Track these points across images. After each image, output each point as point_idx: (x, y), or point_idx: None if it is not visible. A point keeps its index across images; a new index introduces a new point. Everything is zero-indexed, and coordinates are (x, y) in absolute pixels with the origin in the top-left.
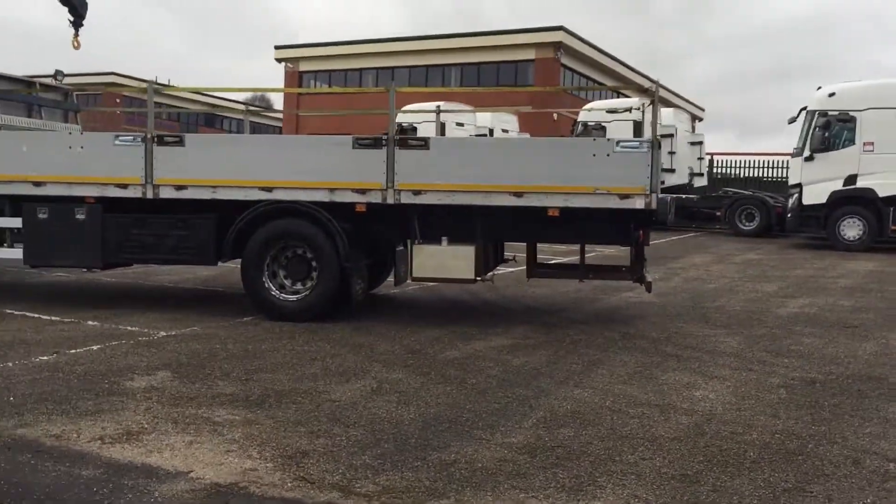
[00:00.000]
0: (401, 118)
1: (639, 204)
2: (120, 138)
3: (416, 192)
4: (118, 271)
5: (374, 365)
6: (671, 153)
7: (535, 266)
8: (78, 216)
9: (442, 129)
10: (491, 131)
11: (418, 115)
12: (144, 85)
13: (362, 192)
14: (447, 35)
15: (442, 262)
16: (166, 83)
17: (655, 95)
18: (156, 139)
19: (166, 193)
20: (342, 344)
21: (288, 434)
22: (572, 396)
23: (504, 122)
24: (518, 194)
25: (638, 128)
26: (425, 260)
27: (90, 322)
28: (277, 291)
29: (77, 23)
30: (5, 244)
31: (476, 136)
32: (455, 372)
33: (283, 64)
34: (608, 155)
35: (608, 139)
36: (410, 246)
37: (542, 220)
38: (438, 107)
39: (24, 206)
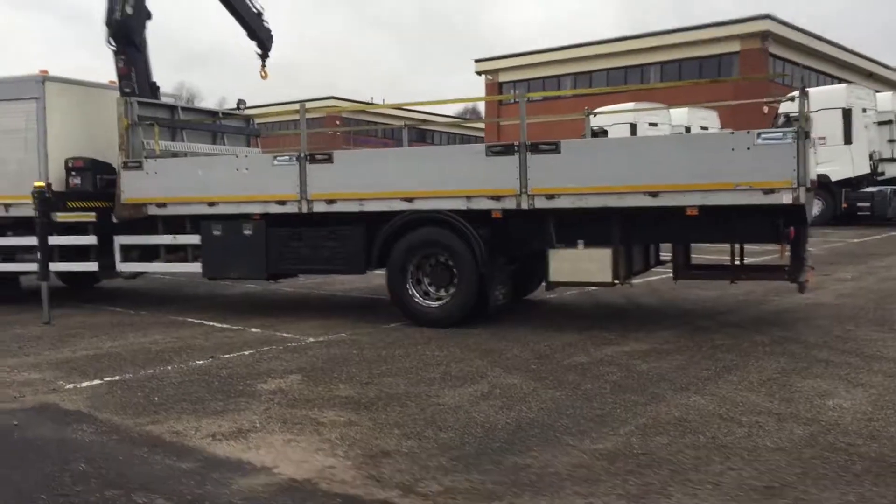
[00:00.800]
0: (593, 121)
1: (786, 199)
2: (278, 158)
3: (550, 197)
4: (295, 282)
5: (494, 370)
6: (892, 141)
7: (685, 268)
8: (246, 232)
9: (633, 129)
10: (688, 129)
11: (612, 115)
12: (360, 106)
13: (497, 198)
14: (644, 34)
15: (578, 265)
16: (380, 101)
17: (802, 84)
18: (308, 157)
19: (319, 208)
20: (473, 349)
21: (381, 435)
22: (686, 403)
23: (702, 119)
24: (653, 194)
25: (847, 118)
26: (561, 264)
27: (253, 329)
28: (421, 298)
29: (264, 55)
30: (188, 259)
31: (673, 134)
32: (574, 377)
33: (484, 76)
34: (748, 148)
35: (748, 132)
36: (547, 250)
37: (682, 220)
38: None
39: (201, 224)
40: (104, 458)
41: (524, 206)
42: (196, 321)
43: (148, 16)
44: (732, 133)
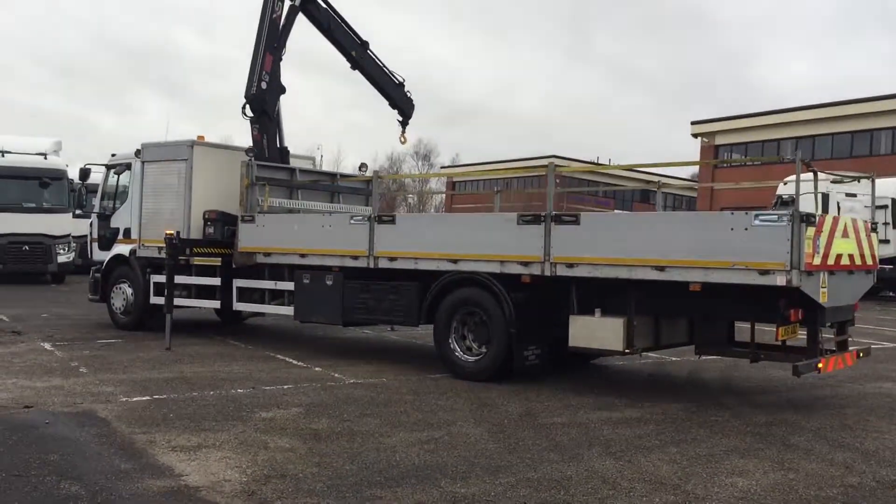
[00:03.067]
0: (781, 189)
1: (780, 280)
2: (353, 218)
3: (569, 265)
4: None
5: (467, 420)
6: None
7: (708, 343)
8: (328, 282)
9: (825, 200)
10: (894, 201)
11: (804, 184)
12: (581, 166)
13: (526, 264)
14: (872, 98)
15: (593, 332)
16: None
17: (798, 166)
18: (377, 218)
19: (383, 264)
20: (473, 402)
21: (299, 462)
22: (590, 466)
23: None
24: (660, 268)
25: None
26: (580, 330)
27: (317, 368)
28: (461, 353)
29: (404, 122)
30: (286, 303)
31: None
32: (528, 433)
33: (699, 139)
34: (746, 229)
35: (746, 212)
36: (569, 316)
37: (687, 295)
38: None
39: (294, 272)
40: (75, 453)
41: (547, 272)
42: (281, 357)
43: (282, 90)
44: (732, 213)
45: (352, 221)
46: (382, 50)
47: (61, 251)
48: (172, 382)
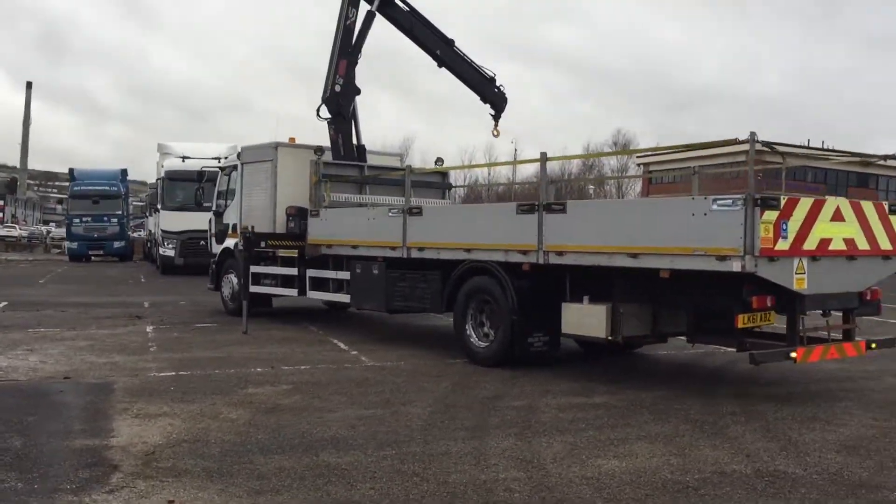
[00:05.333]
0: None
1: (735, 266)
2: (391, 211)
3: (559, 253)
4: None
5: (427, 399)
6: None
7: (698, 331)
8: (375, 271)
9: None
10: None
11: None
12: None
13: (524, 252)
14: None
15: (581, 319)
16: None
17: (751, 147)
18: (409, 210)
19: (414, 254)
20: (456, 383)
21: (222, 427)
22: (481, 445)
23: None
24: (634, 255)
25: None
26: (569, 317)
27: (352, 352)
28: (476, 339)
29: (496, 116)
30: (344, 291)
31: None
32: (471, 414)
33: None
34: (705, 214)
35: (706, 197)
36: (562, 304)
37: (661, 282)
38: None
39: (349, 262)
40: (50, 416)
41: (540, 261)
42: (334, 342)
43: (357, 91)
44: (693, 198)
45: (390, 214)
46: (600, 34)
47: None
48: (214, 361)
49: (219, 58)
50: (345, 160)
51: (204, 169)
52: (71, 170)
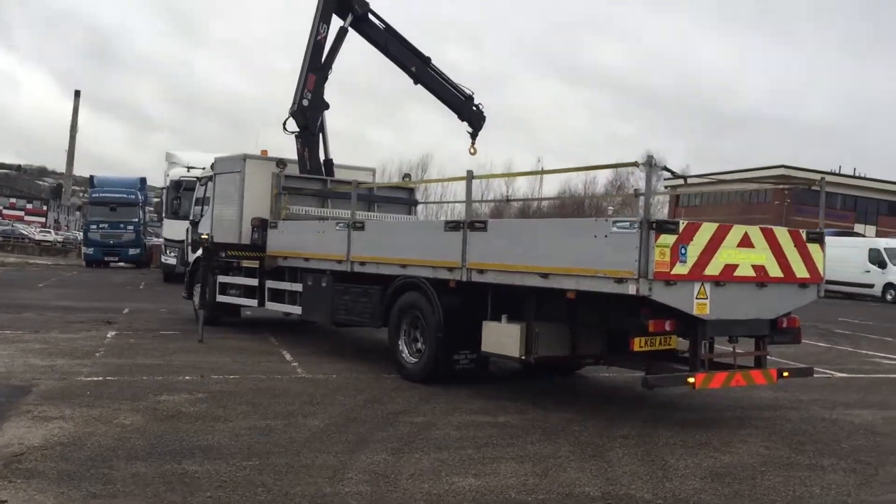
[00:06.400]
0: None
1: (631, 289)
2: (338, 225)
3: (480, 271)
4: None
5: (328, 412)
6: None
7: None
8: (323, 284)
9: None
10: None
11: None
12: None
13: (451, 269)
14: None
15: (498, 338)
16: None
17: (648, 168)
18: (353, 225)
19: (357, 268)
20: (370, 398)
21: (114, 435)
22: (342, 460)
23: None
24: (544, 275)
25: None
26: (488, 335)
27: (293, 363)
28: (407, 355)
29: (474, 134)
30: (297, 303)
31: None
32: (363, 428)
33: None
34: (606, 236)
35: (607, 219)
36: (483, 322)
37: (569, 303)
38: None
39: (301, 275)
40: None
41: (464, 278)
42: (282, 353)
43: (325, 106)
44: (596, 220)
45: (337, 228)
46: (644, 53)
47: None
48: (149, 368)
49: (262, 72)
50: (310, 174)
51: (182, 178)
52: (91, 177)
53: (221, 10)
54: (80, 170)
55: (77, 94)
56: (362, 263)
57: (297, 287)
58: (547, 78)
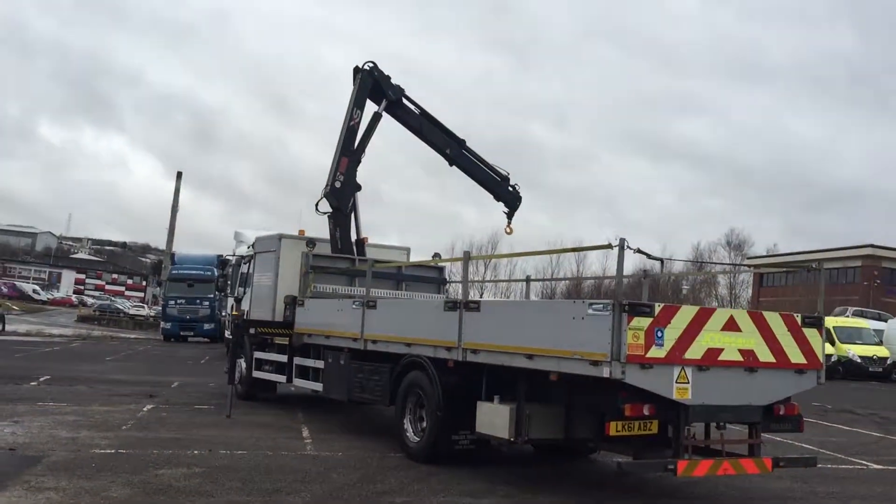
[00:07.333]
0: None
1: (605, 372)
2: (354, 303)
3: (474, 351)
4: None
5: (302, 492)
6: None
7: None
8: (341, 361)
9: None
10: None
11: None
12: None
13: (449, 349)
14: None
15: (490, 419)
16: None
17: (620, 250)
18: (366, 304)
19: (370, 346)
20: (362, 477)
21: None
22: None
23: None
24: (529, 356)
25: None
26: (481, 416)
27: (306, 440)
28: (411, 434)
29: (510, 214)
30: (319, 380)
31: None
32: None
33: None
34: (583, 318)
35: (584, 301)
36: (477, 402)
37: (553, 384)
38: None
39: (323, 352)
40: None
41: (460, 357)
42: (300, 429)
43: (357, 188)
44: (574, 302)
45: (353, 306)
46: (731, 126)
47: None
48: (164, 442)
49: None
50: (342, 253)
51: (226, 258)
52: (172, 254)
53: (313, 92)
54: (180, 246)
55: (179, 175)
56: (374, 342)
57: (320, 364)
58: (635, 154)
